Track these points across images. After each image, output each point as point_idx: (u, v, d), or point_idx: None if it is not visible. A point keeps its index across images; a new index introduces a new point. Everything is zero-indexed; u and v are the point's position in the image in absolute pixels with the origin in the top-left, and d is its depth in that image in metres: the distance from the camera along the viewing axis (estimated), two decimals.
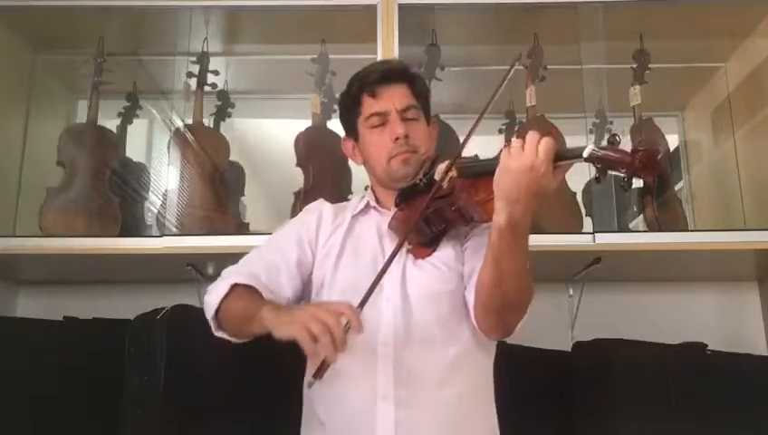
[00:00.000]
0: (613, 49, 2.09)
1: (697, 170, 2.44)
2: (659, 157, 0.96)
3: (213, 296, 1.25)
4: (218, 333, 1.26)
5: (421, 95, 1.40)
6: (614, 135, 1.03)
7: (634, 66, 2.12)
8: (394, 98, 1.35)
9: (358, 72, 1.42)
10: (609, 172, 1.02)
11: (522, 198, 1.06)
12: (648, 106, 2.10)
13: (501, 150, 1.09)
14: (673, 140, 2.46)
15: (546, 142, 1.05)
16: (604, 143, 1.03)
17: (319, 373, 1.04)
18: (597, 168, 1.03)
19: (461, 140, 2.12)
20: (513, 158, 1.06)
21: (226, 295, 1.23)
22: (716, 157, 2.39)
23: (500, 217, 1.08)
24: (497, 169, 1.08)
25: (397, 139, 1.32)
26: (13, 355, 1.71)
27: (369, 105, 1.36)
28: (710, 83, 2.40)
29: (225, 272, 1.30)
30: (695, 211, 2.36)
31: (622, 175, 1.00)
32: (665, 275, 2.15)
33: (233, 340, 1.26)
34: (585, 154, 1.02)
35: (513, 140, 1.08)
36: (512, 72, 1.21)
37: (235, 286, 1.23)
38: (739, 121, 2.27)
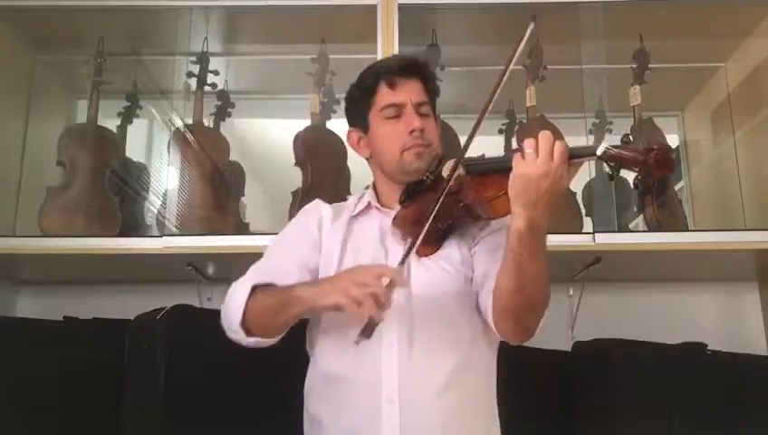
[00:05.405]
0: (613, 49, 2.10)
1: (697, 170, 2.44)
2: (673, 155, 0.96)
3: (234, 302, 1.20)
4: (250, 339, 1.20)
5: (433, 94, 1.41)
6: (627, 135, 1.04)
7: (634, 66, 2.12)
8: (411, 91, 1.35)
9: (373, 64, 1.42)
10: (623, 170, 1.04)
11: (540, 201, 1.07)
12: (648, 106, 2.10)
13: (513, 153, 1.09)
14: (673, 141, 2.46)
15: (560, 145, 1.06)
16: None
17: (366, 332, 1.05)
18: (610, 166, 1.05)
19: (461, 139, 2.12)
20: (529, 164, 1.06)
21: (250, 296, 1.20)
22: (716, 157, 2.39)
23: (520, 222, 1.08)
24: (512, 175, 1.08)
25: (413, 131, 1.32)
26: (13, 355, 1.70)
27: (386, 96, 1.35)
28: (710, 83, 2.40)
29: (233, 286, 1.25)
30: (695, 211, 2.36)
31: (635, 173, 1.01)
32: (665, 275, 2.15)
33: (264, 342, 1.22)
34: (599, 152, 1.03)
35: (525, 142, 1.07)
36: (523, 43, 1.21)
37: (254, 288, 1.21)
38: (739, 121, 2.27)
